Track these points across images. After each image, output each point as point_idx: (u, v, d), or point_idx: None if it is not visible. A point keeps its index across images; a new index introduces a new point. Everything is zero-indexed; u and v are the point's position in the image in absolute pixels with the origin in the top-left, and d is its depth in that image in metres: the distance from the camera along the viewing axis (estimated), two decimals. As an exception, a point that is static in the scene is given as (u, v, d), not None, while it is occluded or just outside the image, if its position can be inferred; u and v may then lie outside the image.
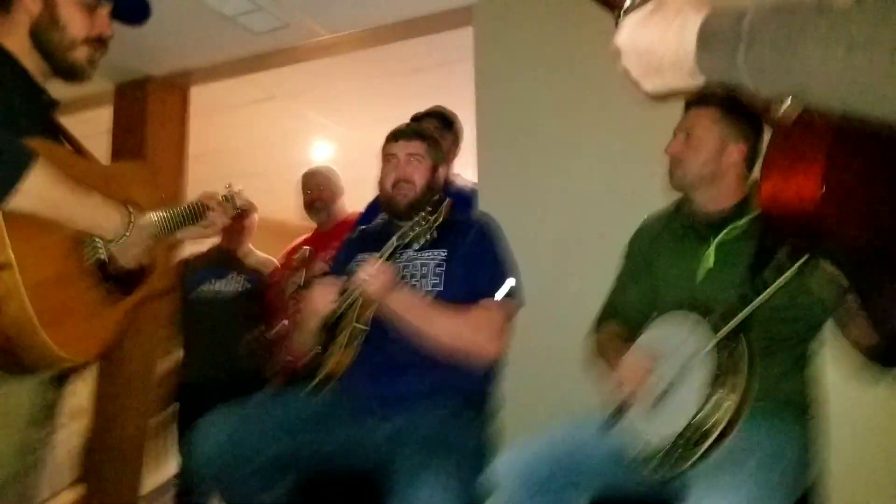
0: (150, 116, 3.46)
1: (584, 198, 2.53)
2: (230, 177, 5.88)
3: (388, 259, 1.92)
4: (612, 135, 2.45)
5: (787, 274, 1.53)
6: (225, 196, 1.94)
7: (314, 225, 3.49)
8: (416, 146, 2.18)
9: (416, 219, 1.93)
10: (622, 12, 0.87)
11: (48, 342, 1.29)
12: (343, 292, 2.02)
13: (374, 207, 2.76)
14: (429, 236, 1.93)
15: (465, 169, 3.01)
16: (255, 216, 3.86)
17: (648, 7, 0.85)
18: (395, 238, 1.93)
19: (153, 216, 1.66)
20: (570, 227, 2.54)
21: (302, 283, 3.21)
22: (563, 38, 2.58)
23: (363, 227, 2.70)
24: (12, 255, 1.26)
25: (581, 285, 2.42)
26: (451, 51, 3.29)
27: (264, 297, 3.59)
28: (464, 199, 2.74)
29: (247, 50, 3.18)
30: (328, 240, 3.30)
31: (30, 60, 1.53)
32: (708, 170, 1.85)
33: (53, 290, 1.34)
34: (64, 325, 1.34)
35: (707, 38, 0.80)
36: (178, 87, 3.59)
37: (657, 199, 2.03)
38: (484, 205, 2.68)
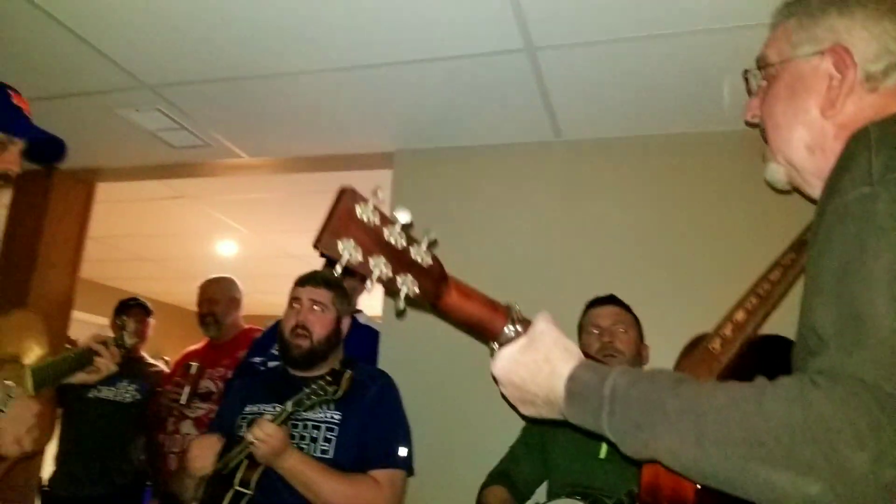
0: (50, 206, 3.35)
1: (482, 348, 2.59)
2: (129, 259, 5.73)
3: (281, 423, 1.90)
4: (511, 289, 2.53)
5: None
6: (115, 339, 1.94)
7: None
8: (321, 294, 2.17)
9: (315, 387, 1.92)
10: (498, 345, 0.93)
11: None
12: (230, 449, 1.99)
13: (271, 333, 2.74)
14: (325, 407, 1.94)
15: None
16: (151, 321, 3.76)
17: (521, 342, 0.91)
18: (289, 404, 1.91)
19: (38, 373, 1.63)
20: (474, 378, 2.54)
21: (184, 401, 3.16)
22: (471, 194, 2.71)
23: (259, 361, 2.68)
24: None
25: (473, 437, 2.47)
26: (366, 181, 3.37)
27: (148, 406, 3.45)
28: (368, 337, 2.77)
29: (162, 159, 3.15)
30: (219, 356, 3.26)
31: None
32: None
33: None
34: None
35: (573, 395, 0.86)
36: (84, 181, 3.50)
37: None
38: (386, 345, 2.71)
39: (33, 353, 1.70)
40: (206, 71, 2.33)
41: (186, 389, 3.17)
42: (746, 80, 1.10)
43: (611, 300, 2.15)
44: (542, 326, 0.92)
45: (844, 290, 0.72)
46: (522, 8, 1.85)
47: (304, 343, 2.11)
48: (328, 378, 1.93)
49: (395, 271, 0.83)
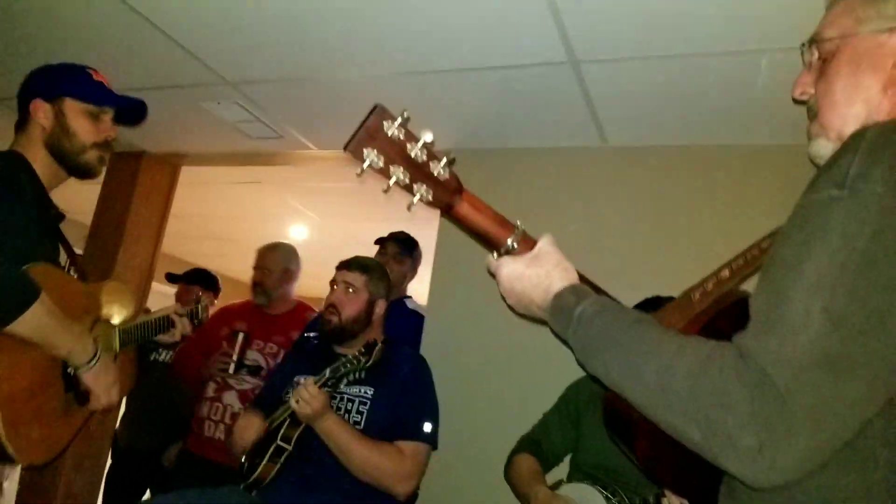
0: (138, 188, 3.65)
1: (529, 333, 2.70)
2: (206, 237, 6.00)
3: (321, 386, 2.11)
4: None
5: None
6: (191, 310, 2.16)
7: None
8: (354, 277, 2.39)
9: (349, 356, 2.14)
10: (499, 253, 1.09)
11: (8, 450, 1.47)
12: (275, 411, 2.23)
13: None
14: (358, 375, 2.15)
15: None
16: (213, 298, 4.03)
17: (527, 257, 1.07)
18: (328, 371, 2.13)
19: (124, 333, 1.88)
20: (511, 360, 2.71)
21: (231, 369, 3.14)
22: (519, 193, 2.84)
23: (313, 336, 2.91)
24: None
25: (503, 421, 2.61)
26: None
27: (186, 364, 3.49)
28: (413, 321, 2.96)
29: (240, 147, 3.41)
30: (269, 329, 3.25)
31: (46, 169, 1.77)
32: None
33: (23, 400, 1.53)
34: (26, 433, 1.52)
35: (554, 308, 1.02)
36: (169, 164, 3.79)
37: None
38: (431, 328, 2.88)
39: (121, 316, 1.95)
40: (281, 70, 2.56)
41: (233, 355, 3.16)
42: (802, 53, 1.07)
43: (656, 303, 2.22)
44: (547, 247, 1.08)
45: (778, 281, 0.78)
46: (564, 24, 1.99)
47: (334, 319, 2.35)
48: (361, 349, 2.15)
49: (413, 180, 0.98)
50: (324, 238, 5.59)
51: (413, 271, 3.23)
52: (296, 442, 2.17)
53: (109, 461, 3.72)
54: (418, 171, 0.99)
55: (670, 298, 2.13)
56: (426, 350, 2.71)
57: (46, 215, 1.75)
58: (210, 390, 3.19)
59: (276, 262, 3.38)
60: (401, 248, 3.14)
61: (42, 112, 1.77)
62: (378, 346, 2.14)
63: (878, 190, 0.74)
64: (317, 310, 3.21)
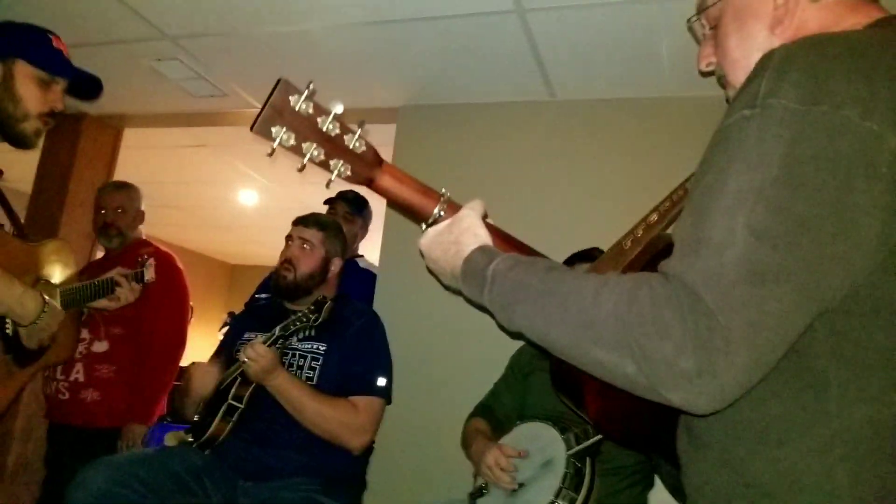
0: (80, 151, 3.55)
1: None
2: (153, 206, 5.97)
3: (270, 344, 2.10)
4: None
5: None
6: (134, 273, 2.11)
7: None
8: (311, 234, 2.39)
9: (299, 314, 2.13)
10: (426, 224, 1.08)
11: None
12: (227, 367, 2.21)
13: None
14: (309, 332, 2.14)
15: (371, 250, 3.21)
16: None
17: (442, 225, 1.06)
18: (277, 329, 2.12)
19: (66, 294, 1.83)
20: (461, 318, 2.66)
21: None
22: (469, 150, 2.86)
23: (264, 297, 2.89)
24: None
25: (456, 376, 2.65)
26: (376, 137, 3.52)
27: None
28: (367, 279, 2.96)
29: (184, 107, 3.34)
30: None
31: None
32: None
33: (-39, 361, 1.49)
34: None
35: (465, 273, 1.00)
36: (111, 127, 3.70)
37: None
38: (383, 287, 2.89)
39: (62, 277, 1.91)
40: (223, 24, 2.50)
41: None
42: (691, 29, 1.13)
43: (597, 254, 2.24)
44: (465, 212, 1.05)
45: (701, 205, 0.78)
46: (510, -28, 1.99)
47: (289, 275, 2.34)
48: (311, 307, 2.14)
49: (329, 156, 0.95)
50: (274, 203, 5.53)
51: (364, 230, 3.22)
52: (248, 400, 2.16)
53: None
54: (333, 146, 0.96)
55: (600, 250, 2.20)
56: (379, 308, 2.71)
57: None
58: None
59: (130, 201, 3.15)
60: (350, 207, 3.12)
61: None
62: (328, 304, 2.13)
63: (789, 104, 0.75)
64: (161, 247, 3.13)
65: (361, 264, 3.09)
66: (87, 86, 1.88)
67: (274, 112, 0.91)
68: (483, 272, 0.95)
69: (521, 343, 2.36)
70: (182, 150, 4.49)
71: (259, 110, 0.91)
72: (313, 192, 5.13)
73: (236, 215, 6.12)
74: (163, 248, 3.19)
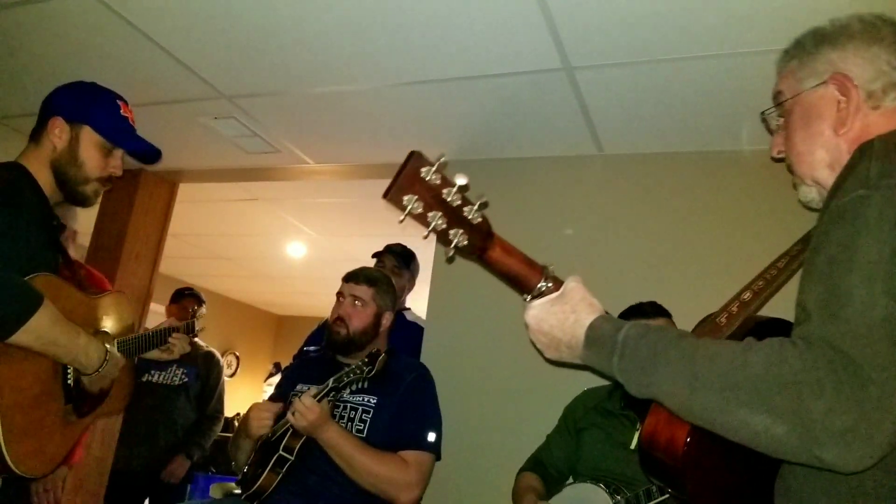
0: (136, 205, 3.65)
1: (527, 347, 2.70)
2: (205, 257, 5.99)
3: (321, 398, 2.11)
4: None
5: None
6: (186, 324, 2.15)
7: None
8: (362, 291, 2.41)
9: (353, 366, 2.13)
10: (530, 297, 1.09)
11: (7, 461, 1.46)
12: (280, 418, 2.22)
13: (324, 327, 2.97)
14: (362, 385, 2.14)
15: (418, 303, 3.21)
16: (204, 309, 4.06)
17: (554, 295, 1.07)
18: (331, 381, 2.13)
19: (122, 345, 1.87)
20: (509, 372, 2.70)
21: None
22: (517, 203, 2.86)
23: (313, 350, 2.91)
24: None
25: (505, 431, 2.61)
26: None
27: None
28: (412, 333, 2.96)
29: (238, 163, 3.43)
30: None
31: (47, 185, 1.75)
32: None
33: (26, 410, 1.53)
34: (26, 443, 1.52)
35: (591, 340, 1.02)
36: (167, 182, 3.81)
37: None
38: (430, 340, 2.88)
39: (118, 329, 1.95)
40: (277, 84, 2.58)
41: None
42: (765, 121, 1.24)
43: (649, 308, 2.21)
44: (573, 284, 1.07)
45: (831, 274, 0.84)
46: (557, 29, 2.01)
47: (343, 331, 2.36)
48: (365, 359, 2.14)
49: (450, 226, 0.99)
50: (320, 254, 5.60)
51: (411, 283, 3.23)
52: (298, 452, 2.16)
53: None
54: (454, 217, 0.99)
55: (653, 304, 2.17)
56: (426, 360, 2.70)
57: (48, 226, 1.75)
58: None
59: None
60: (398, 260, 3.14)
61: (58, 131, 1.76)
62: (381, 356, 2.14)
63: None
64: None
65: (408, 317, 3.10)
66: (146, 154, 1.94)
67: (407, 181, 0.95)
68: (613, 338, 0.98)
69: (574, 395, 2.33)
70: (234, 204, 4.59)
71: (392, 179, 0.95)
72: (360, 244, 5.20)
73: (284, 267, 6.22)
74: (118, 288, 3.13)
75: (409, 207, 0.95)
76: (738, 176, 2.56)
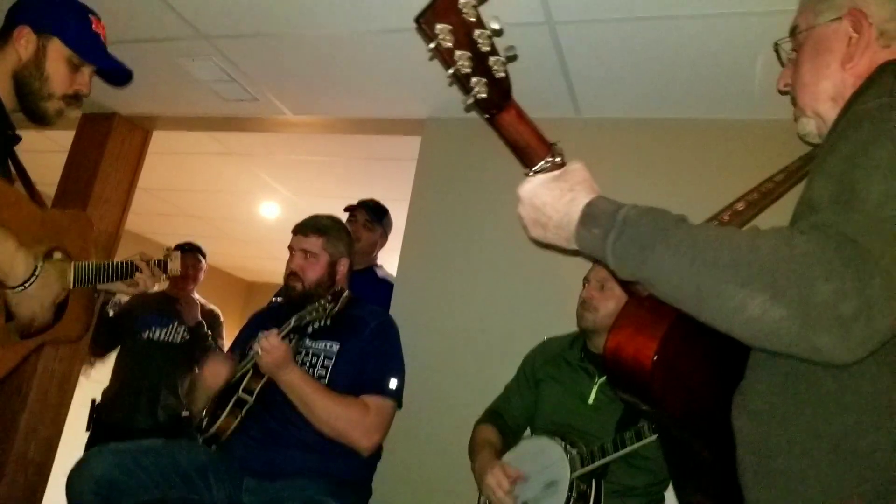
0: (108, 150, 3.59)
1: (493, 307, 2.73)
2: (175, 214, 5.91)
3: (284, 337, 2.09)
4: (526, 255, 2.65)
5: (644, 442, 1.79)
6: (158, 261, 2.04)
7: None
8: (311, 243, 2.35)
9: (315, 304, 2.11)
10: (532, 171, 1.05)
11: None
12: (239, 362, 2.20)
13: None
14: (325, 322, 2.12)
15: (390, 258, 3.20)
16: (205, 263, 4.00)
17: (554, 173, 1.04)
18: (293, 318, 2.11)
19: (80, 270, 1.80)
20: (476, 330, 2.72)
21: None
22: (493, 164, 2.85)
23: (273, 299, 2.89)
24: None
25: (468, 383, 2.63)
26: (402, 149, 3.55)
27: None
28: (383, 290, 2.95)
29: (214, 111, 3.37)
30: None
31: (6, 96, 1.67)
32: (612, 320, 2.12)
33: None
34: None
35: (587, 218, 0.99)
36: (140, 128, 3.74)
37: (561, 323, 2.28)
38: (399, 296, 2.88)
39: (83, 253, 1.86)
40: (258, 25, 2.54)
41: None
42: (777, 52, 1.26)
43: None
44: (577, 166, 1.05)
45: (846, 171, 0.85)
46: (543, -18, 2.01)
47: (298, 285, 2.31)
48: (329, 297, 2.12)
49: (474, 72, 0.93)
50: (294, 216, 5.49)
51: (384, 238, 3.22)
52: (258, 395, 2.14)
53: (89, 432, 3.67)
54: (480, 62, 0.93)
55: None
56: (394, 315, 2.69)
57: (2, 133, 1.67)
58: None
59: None
60: (371, 215, 3.13)
61: (24, 41, 1.69)
62: (346, 294, 2.12)
63: None
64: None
65: (380, 274, 3.09)
66: (116, 74, 1.87)
67: (443, 7, 0.88)
68: (612, 216, 0.96)
69: (532, 348, 2.34)
70: (207, 158, 4.53)
71: (429, 3, 0.88)
72: (336, 206, 5.14)
73: (256, 229, 6.14)
74: None
75: (439, 37, 0.89)
76: (720, 144, 2.57)
